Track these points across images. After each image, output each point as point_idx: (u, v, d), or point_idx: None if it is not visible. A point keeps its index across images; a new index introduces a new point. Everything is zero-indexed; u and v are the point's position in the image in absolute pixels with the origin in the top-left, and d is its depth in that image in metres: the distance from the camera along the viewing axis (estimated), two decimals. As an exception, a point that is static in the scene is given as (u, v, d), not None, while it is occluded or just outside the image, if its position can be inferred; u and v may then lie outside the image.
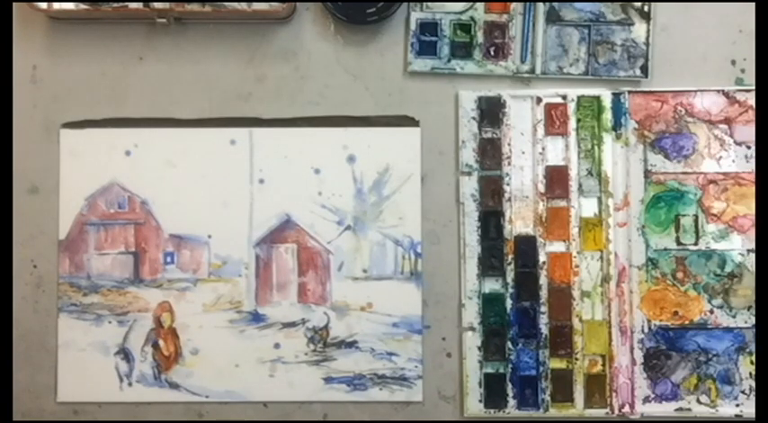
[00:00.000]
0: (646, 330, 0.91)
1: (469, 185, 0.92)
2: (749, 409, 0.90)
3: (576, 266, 0.91)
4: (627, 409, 0.91)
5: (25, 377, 0.92)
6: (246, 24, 0.93)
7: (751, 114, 0.92)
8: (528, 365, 0.91)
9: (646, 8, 0.92)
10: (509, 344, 0.91)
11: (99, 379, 0.91)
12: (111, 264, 0.92)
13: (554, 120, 0.92)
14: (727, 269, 0.91)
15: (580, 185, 0.92)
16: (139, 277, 0.92)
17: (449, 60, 0.92)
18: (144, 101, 0.93)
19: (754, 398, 0.90)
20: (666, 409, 0.91)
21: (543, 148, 0.92)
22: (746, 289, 0.91)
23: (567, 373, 0.91)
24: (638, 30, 0.92)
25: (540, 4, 0.92)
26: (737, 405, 0.91)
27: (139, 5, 0.89)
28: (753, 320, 0.90)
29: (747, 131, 0.92)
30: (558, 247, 0.92)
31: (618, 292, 0.91)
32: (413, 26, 0.92)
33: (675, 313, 0.91)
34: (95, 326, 0.92)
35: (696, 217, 0.92)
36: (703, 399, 0.91)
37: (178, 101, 0.93)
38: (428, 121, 0.93)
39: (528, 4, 0.92)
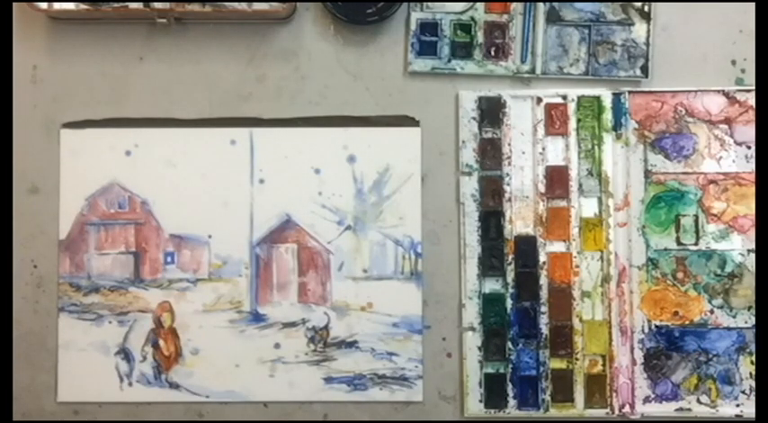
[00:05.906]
0: (646, 330, 0.91)
1: (470, 185, 0.92)
2: (749, 410, 0.90)
3: (577, 266, 0.91)
4: (627, 409, 0.91)
5: (25, 377, 0.92)
6: (246, 24, 0.93)
7: (751, 114, 0.92)
8: (528, 365, 0.91)
9: (646, 8, 0.92)
10: (509, 344, 0.91)
11: (99, 379, 0.91)
12: (111, 264, 0.92)
13: (554, 120, 0.92)
14: (728, 269, 0.91)
15: (580, 185, 0.92)
16: (140, 277, 0.92)
17: (449, 60, 0.92)
18: (144, 101, 0.93)
19: (754, 398, 0.90)
20: (667, 409, 0.91)
21: (543, 148, 0.92)
22: (746, 289, 0.91)
23: (568, 373, 0.91)
24: (639, 30, 0.92)
25: (541, 4, 0.92)
26: (738, 405, 0.91)
27: (139, 5, 0.89)
28: (753, 320, 0.90)
29: (747, 131, 0.92)
30: (559, 247, 0.92)
31: (618, 293, 0.91)
32: (413, 26, 0.92)
33: (676, 313, 0.91)
34: (95, 326, 0.92)
35: (696, 217, 0.92)
36: (703, 399, 0.91)
37: (178, 101, 0.93)
38: (428, 121, 0.93)
39: (528, 4, 0.92)
